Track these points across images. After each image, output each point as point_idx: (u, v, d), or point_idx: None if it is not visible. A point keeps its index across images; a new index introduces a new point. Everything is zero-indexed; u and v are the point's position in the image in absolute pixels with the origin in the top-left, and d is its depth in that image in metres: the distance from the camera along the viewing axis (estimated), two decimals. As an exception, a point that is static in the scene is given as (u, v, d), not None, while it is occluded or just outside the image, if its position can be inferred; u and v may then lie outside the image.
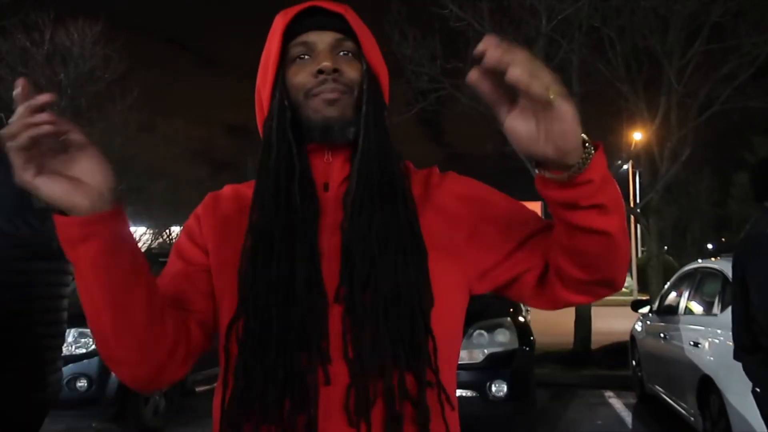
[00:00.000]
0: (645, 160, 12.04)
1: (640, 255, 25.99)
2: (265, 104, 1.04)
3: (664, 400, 5.52)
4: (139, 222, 20.71)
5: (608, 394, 7.08)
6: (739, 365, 2.64)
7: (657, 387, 5.79)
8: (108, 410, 4.97)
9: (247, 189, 1.07)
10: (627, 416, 6.15)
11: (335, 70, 0.99)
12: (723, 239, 35.45)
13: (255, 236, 0.98)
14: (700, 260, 5.74)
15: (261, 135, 1.06)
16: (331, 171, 1.03)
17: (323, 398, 0.90)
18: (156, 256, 8.42)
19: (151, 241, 22.03)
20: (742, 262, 2.51)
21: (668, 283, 6.35)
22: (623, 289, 25.17)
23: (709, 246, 34.19)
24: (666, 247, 22.66)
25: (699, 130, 10.81)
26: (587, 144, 0.83)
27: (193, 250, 1.06)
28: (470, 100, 10.33)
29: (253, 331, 0.93)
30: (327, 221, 0.98)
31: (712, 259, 5.28)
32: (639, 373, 6.56)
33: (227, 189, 1.12)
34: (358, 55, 1.03)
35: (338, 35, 1.01)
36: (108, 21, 22.39)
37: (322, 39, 1.01)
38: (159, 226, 21.94)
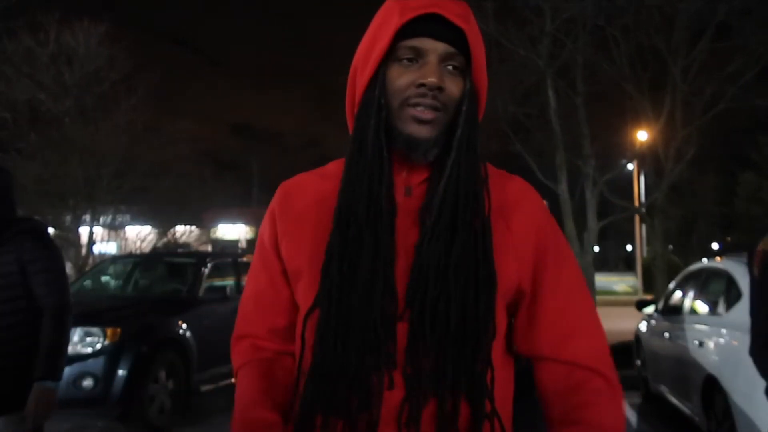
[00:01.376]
0: (650, 159, 12.04)
1: (645, 254, 25.91)
2: (358, 93, 1.02)
3: (669, 399, 5.51)
4: (144, 221, 20.75)
5: (613, 393, 7.06)
6: (744, 365, 2.63)
7: (662, 387, 5.77)
8: (114, 409, 4.98)
9: (320, 179, 1.09)
10: (632, 416, 6.14)
11: (438, 88, 0.96)
12: (728, 239, 35.32)
13: (339, 235, 0.98)
14: (705, 260, 5.72)
15: (349, 123, 1.05)
16: (412, 176, 1.02)
17: (385, 403, 0.93)
18: (161, 256, 8.45)
19: (157, 240, 22.06)
20: None
21: (673, 283, 6.33)
22: (628, 289, 25.05)
23: (715, 245, 34.07)
24: (671, 247, 22.60)
25: (704, 129, 10.80)
26: None
27: (272, 251, 1.09)
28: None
29: (332, 327, 0.96)
30: (402, 229, 0.99)
31: (718, 258, 5.27)
32: (644, 373, 6.54)
33: (298, 178, 1.12)
34: (465, 71, 0.99)
35: (451, 49, 0.97)
36: (113, 21, 22.48)
37: (435, 48, 0.96)
38: (164, 225, 21.94)
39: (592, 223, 9.43)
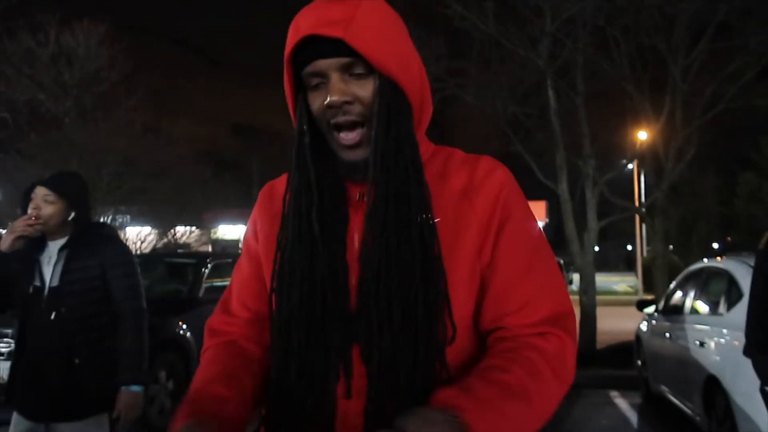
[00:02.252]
0: (650, 159, 12.02)
1: (645, 254, 25.91)
2: (295, 125, 1.04)
3: (670, 400, 5.50)
4: (144, 222, 20.75)
5: (613, 393, 7.06)
6: (744, 365, 2.63)
7: (662, 387, 5.77)
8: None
9: None
10: (632, 416, 6.13)
11: (346, 102, 0.96)
12: (729, 239, 35.30)
13: (283, 249, 1.02)
14: (705, 260, 5.72)
15: None
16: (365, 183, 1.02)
17: (340, 407, 0.94)
18: (161, 256, 8.44)
19: (157, 240, 22.06)
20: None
21: (674, 283, 6.33)
22: (628, 289, 25.04)
23: (715, 245, 34.06)
24: (671, 247, 22.60)
25: (704, 129, 10.78)
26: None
27: (255, 245, 1.13)
28: (474, 100, 10.33)
29: (280, 333, 0.99)
30: (354, 235, 1.00)
31: (718, 258, 5.26)
32: (644, 373, 6.54)
33: (282, 178, 1.14)
34: (373, 70, 0.97)
35: (344, 59, 0.95)
36: (113, 22, 22.48)
37: (329, 65, 0.96)
38: (164, 226, 21.92)
39: (593, 223, 9.42)
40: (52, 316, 2.34)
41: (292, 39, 0.97)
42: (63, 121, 20.90)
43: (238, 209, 30.19)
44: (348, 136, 0.98)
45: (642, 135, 12.33)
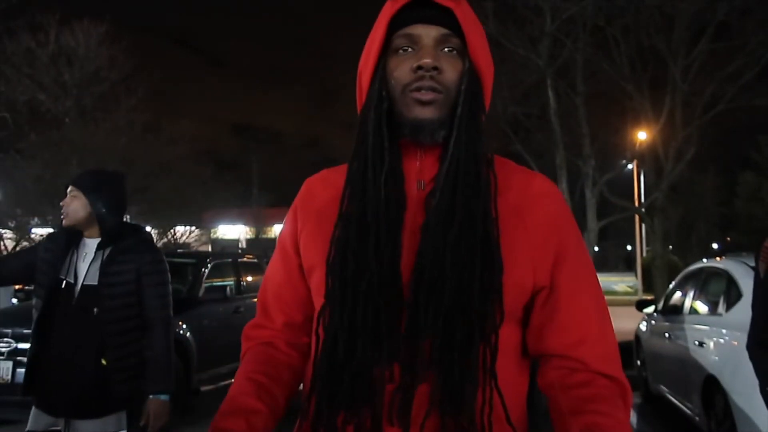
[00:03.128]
0: (650, 159, 12.04)
1: (644, 254, 25.91)
2: (364, 91, 1.04)
3: (669, 399, 5.51)
4: (143, 221, 20.77)
5: (613, 393, 7.06)
6: (744, 365, 2.62)
7: (662, 387, 5.77)
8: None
9: (343, 175, 1.06)
10: (632, 416, 6.14)
11: (435, 68, 0.96)
12: (728, 239, 35.32)
13: (343, 229, 1.00)
14: (705, 260, 5.72)
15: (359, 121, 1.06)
16: (423, 169, 1.02)
17: (387, 396, 0.93)
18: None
19: (157, 240, 22.07)
20: None
21: (673, 283, 6.33)
22: (628, 289, 25.14)
23: (714, 245, 34.07)
24: (671, 247, 22.60)
25: (704, 129, 10.80)
26: None
27: (291, 246, 1.11)
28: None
29: (337, 324, 0.97)
30: (412, 219, 0.98)
31: (718, 258, 5.26)
32: (644, 373, 6.54)
33: (322, 174, 1.13)
34: (463, 52, 0.99)
35: (444, 30, 0.98)
36: (114, 22, 22.49)
37: (428, 33, 0.98)
38: (164, 225, 21.95)
39: (592, 223, 9.43)
40: (86, 315, 2.36)
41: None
42: (63, 121, 20.91)
43: (237, 209, 30.22)
44: (426, 93, 0.97)
45: (642, 135, 12.34)
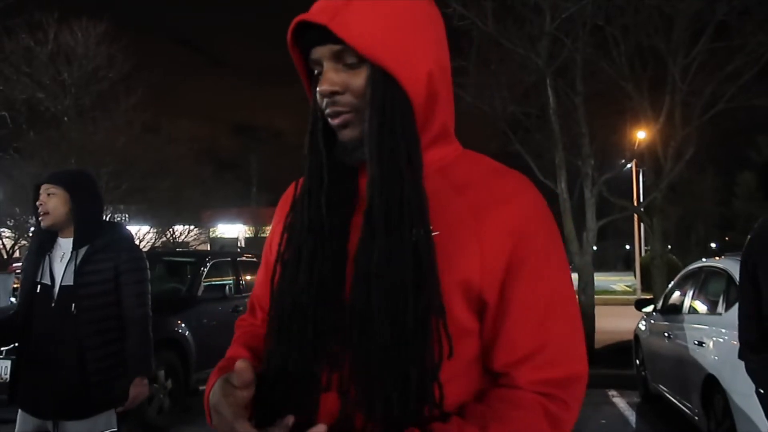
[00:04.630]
0: (649, 159, 12.03)
1: (643, 254, 25.93)
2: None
3: (668, 399, 5.51)
4: (143, 221, 20.74)
5: (612, 393, 7.07)
6: (742, 365, 2.62)
7: (661, 386, 5.78)
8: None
9: None
10: (631, 415, 6.14)
11: (332, 93, 0.93)
12: (727, 238, 35.33)
13: (285, 247, 1.00)
14: (704, 259, 5.72)
15: None
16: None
17: (322, 404, 0.92)
18: (160, 255, 8.44)
19: (155, 239, 22.03)
20: (754, 260, 2.51)
21: (672, 282, 6.34)
22: (626, 288, 24.98)
23: (713, 245, 34.08)
24: (670, 247, 22.61)
25: (703, 129, 10.78)
26: None
27: (270, 242, 1.14)
28: (473, 99, 10.32)
29: (274, 330, 0.98)
30: (355, 241, 0.94)
31: (717, 258, 5.27)
32: (643, 373, 6.55)
33: (301, 180, 1.13)
34: (365, 60, 0.92)
35: (336, 47, 0.92)
36: (113, 21, 22.45)
37: (323, 53, 0.94)
38: (163, 225, 21.92)
39: (591, 223, 9.42)
40: (64, 316, 2.35)
41: (291, 27, 0.96)
42: (62, 120, 20.87)
43: (236, 208, 30.21)
44: (335, 119, 0.95)
45: (641, 135, 12.33)
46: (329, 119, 0.96)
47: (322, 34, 0.91)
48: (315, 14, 0.92)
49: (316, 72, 0.97)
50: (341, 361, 0.90)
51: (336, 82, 0.93)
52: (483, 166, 1.00)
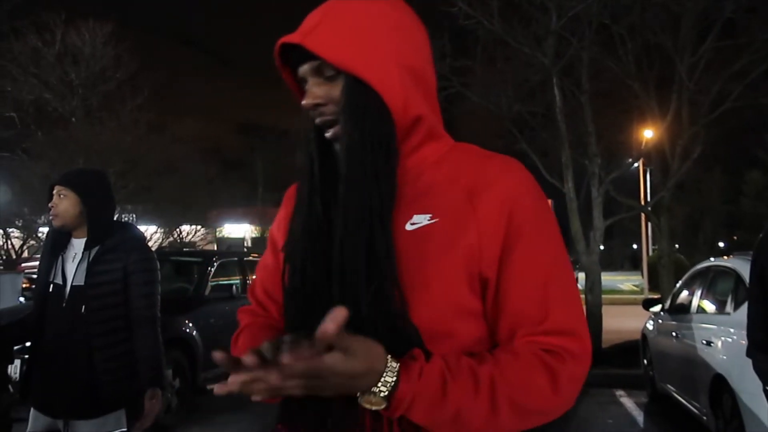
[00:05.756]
0: (656, 158, 11.97)
1: (651, 253, 25.83)
2: None
3: (676, 399, 5.49)
4: (149, 221, 20.82)
5: (619, 392, 7.05)
6: (751, 365, 2.62)
7: (669, 386, 5.75)
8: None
9: None
10: (638, 415, 6.12)
11: (316, 106, 1.00)
12: (735, 237, 35.17)
13: (288, 242, 1.07)
14: (712, 258, 5.70)
15: None
16: None
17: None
18: (167, 255, 8.47)
19: (162, 239, 22.12)
20: (763, 259, 2.51)
21: (680, 282, 6.31)
22: (634, 288, 24.91)
23: (721, 244, 33.92)
24: (677, 246, 22.51)
25: (710, 127, 10.73)
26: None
27: (277, 232, 1.18)
28: (479, 99, 10.31)
29: (290, 315, 1.05)
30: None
31: (725, 257, 5.24)
32: (650, 372, 6.53)
33: None
34: (342, 72, 0.98)
35: (313, 63, 0.99)
36: (119, 21, 22.53)
37: (305, 70, 1.01)
38: (169, 224, 22.01)
39: (598, 222, 9.39)
40: (74, 316, 2.36)
41: (276, 48, 1.03)
42: (69, 121, 20.98)
43: (243, 208, 30.25)
44: (327, 132, 1.02)
45: (648, 133, 12.29)
46: (324, 132, 1.03)
47: (302, 53, 0.98)
48: (292, 35, 0.99)
49: (304, 89, 1.04)
50: None
51: (318, 95, 1.00)
52: (473, 154, 1.05)
